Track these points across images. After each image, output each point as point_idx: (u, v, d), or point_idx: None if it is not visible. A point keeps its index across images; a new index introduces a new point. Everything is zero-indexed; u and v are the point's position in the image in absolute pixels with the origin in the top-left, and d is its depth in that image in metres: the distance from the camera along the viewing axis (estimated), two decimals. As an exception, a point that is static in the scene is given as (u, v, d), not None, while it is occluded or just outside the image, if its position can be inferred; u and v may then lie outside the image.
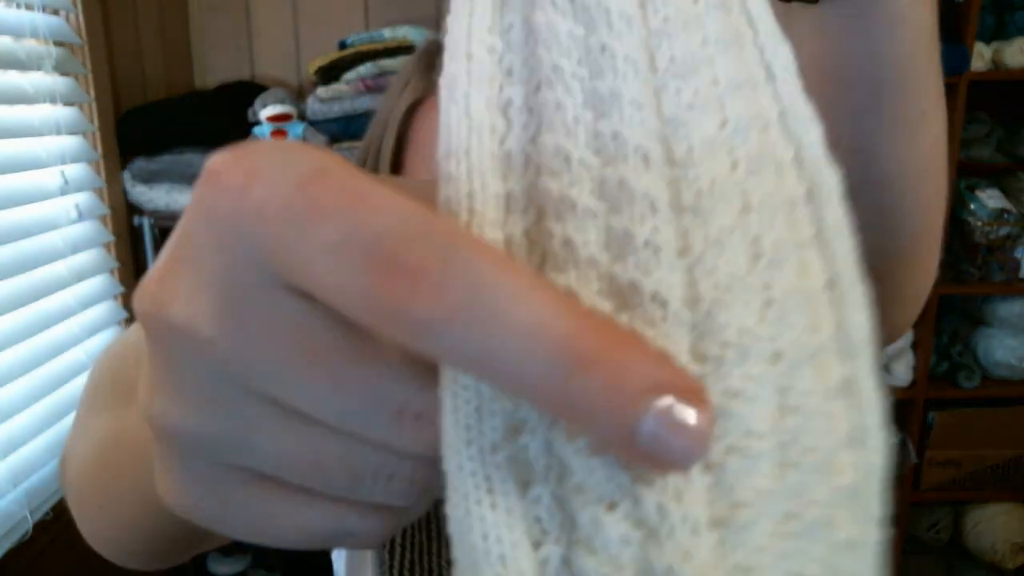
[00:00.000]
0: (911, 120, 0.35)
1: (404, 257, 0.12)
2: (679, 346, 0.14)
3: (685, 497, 0.13)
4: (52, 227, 1.29)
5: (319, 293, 0.13)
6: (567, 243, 0.14)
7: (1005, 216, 1.87)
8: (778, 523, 0.14)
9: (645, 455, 0.12)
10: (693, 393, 0.12)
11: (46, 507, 1.23)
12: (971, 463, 2.06)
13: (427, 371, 0.15)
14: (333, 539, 0.17)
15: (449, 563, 0.49)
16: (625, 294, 0.14)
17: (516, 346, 0.12)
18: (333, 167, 0.14)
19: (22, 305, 1.20)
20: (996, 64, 1.88)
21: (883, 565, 0.15)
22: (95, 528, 0.34)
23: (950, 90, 1.66)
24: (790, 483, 0.14)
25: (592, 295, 0.14)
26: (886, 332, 0.44)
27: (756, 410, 0.14)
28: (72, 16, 1.37)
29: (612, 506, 0.14)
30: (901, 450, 1.94)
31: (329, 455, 0.15)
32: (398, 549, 0.48)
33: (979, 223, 1.86)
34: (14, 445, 1.18)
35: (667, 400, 0.12)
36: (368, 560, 0.49)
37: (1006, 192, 1.94)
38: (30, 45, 1.25)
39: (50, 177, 1.30)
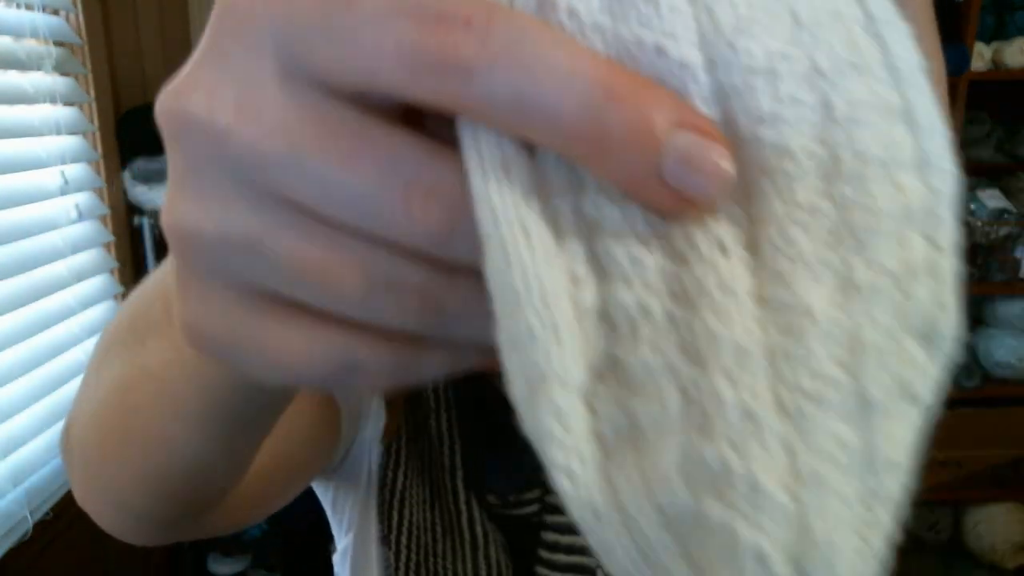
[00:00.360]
0: None
1: (450, 9, 0.13)
2: (696, 89, 0.14)
3: (710, 223, 0.14)
4: (52, 227, 1.29)
5: (351, 73, 0.14)
6: (572, 14, 0.14)
7: (1005, 216, 1.87)
8: (826, 237, 0.14)
9: (668, 190, 0.14)
10: (710, 134, 0.14)
11: (46, 507, 1.23)
12: (971, 463, 2.06)
13: (437, 149, 0.15)
14: (341, 371, 0.17)
15: (453, 566, 0.49)
16: (636, 55, 0.14)
17: (553, 85, 0.13)
18: None
19: (22, 305, 1.20)
20: (996, 64, 1.88)
21: (961, 298, 0.15)
22: (98, 484, 0.33)
23: (950, 90, 1.65)
24: (840, 196, 0.14)
25: None
26: None
27: (792, 129, 0.14)
28: (72, 16, 1.37)
29: (647, 244, 0.14)
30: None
31: (340, 259, 0.16)
32: (403, 551, 0.48)
33: (979, 223, 1.87)
34: (14, 445, 1.18)
35: (689, 135, 0.13)
36: (373, 562, 0.49)
37: (1006, 192, 1.95)
38: (30, 45, 1.25)
39: (50, 177, 1.30)
